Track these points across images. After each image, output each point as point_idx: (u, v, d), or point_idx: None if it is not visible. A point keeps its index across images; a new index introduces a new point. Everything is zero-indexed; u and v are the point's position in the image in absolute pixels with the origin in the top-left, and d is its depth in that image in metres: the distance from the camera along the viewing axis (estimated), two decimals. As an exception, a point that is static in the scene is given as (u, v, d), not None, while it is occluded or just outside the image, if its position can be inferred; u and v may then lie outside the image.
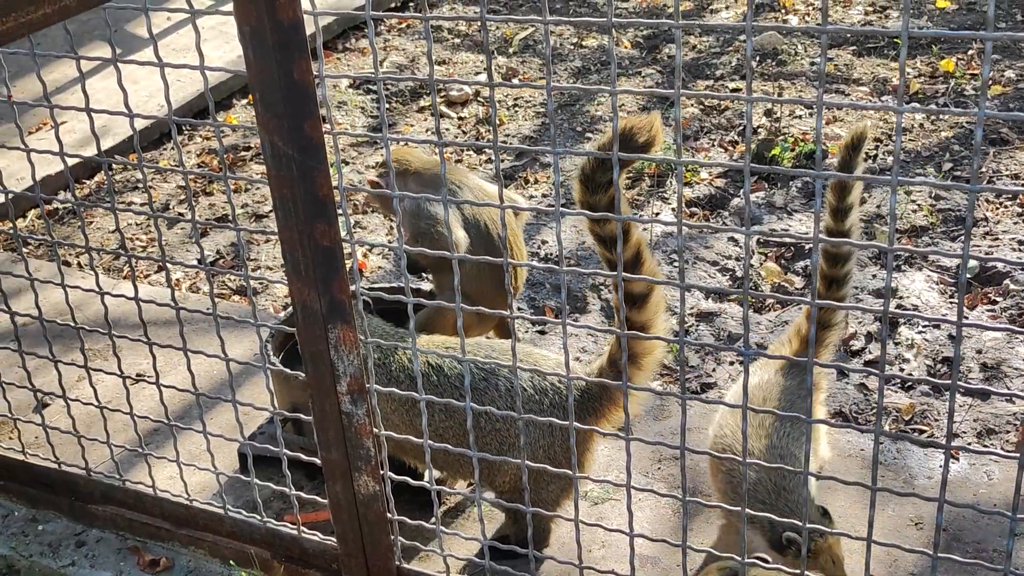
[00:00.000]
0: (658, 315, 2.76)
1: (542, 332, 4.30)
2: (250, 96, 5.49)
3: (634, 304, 2.71)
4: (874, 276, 4.43)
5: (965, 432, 3.58)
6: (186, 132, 6.20)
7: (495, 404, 2.92)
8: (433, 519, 2.62)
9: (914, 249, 1.76)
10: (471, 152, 5.81)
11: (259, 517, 2.96)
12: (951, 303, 4.20)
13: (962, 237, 4.09)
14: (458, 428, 2.97)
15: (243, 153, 5.93)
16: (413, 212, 3.54)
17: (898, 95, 1.67)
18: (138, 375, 3.94)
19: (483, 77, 6.57)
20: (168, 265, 2.77)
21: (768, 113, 5.76)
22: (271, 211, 4.94)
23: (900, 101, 1.68)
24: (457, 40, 7.23)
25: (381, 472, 2.56)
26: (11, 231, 3.51)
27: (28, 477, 3.33)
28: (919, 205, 4.85)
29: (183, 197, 5.57)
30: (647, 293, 2.71)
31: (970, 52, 6.18)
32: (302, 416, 2.71)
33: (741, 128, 5.68)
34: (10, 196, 3.22)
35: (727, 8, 7.29)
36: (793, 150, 5.28)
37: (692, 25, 1.80)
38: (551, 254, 4.77)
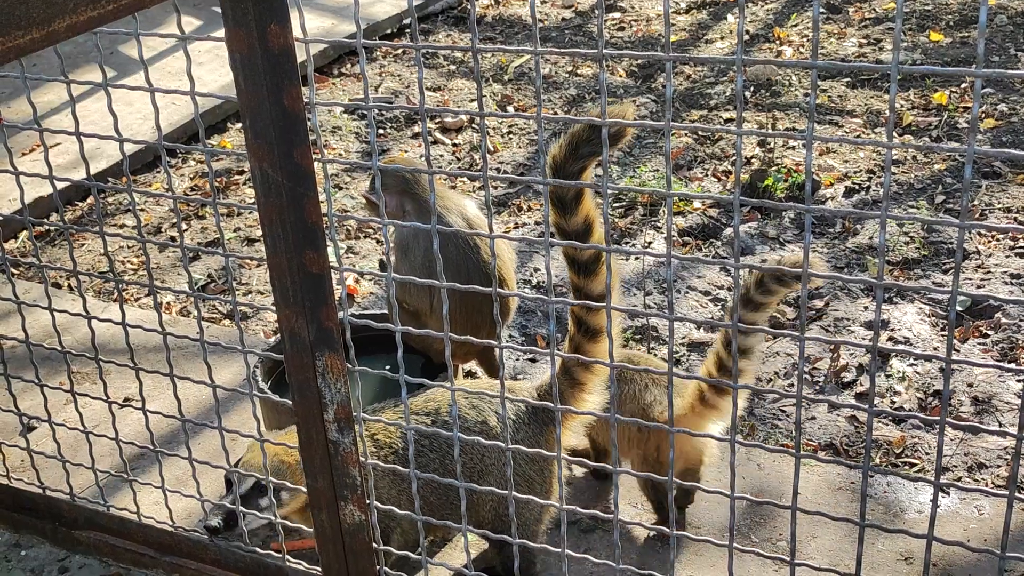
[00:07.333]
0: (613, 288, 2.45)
1: (533, 360, 4.29)
2: (244, 120, 5.51)
3: (584, 272, 2.66)
4: (865, 308, 4.42)
5: (956, 466, 3.56)
6: (180, 155, 6.20)
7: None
8: (419, 549, 2.60)
9: (903, 285, 1.75)
10: (464, 179, 5.81)
11: (244, 545, 2.93)
12: (943, 335, 4.20)
13: (954, 269, 4.11)
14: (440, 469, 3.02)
15: (236, 177, 5.92)
16: (401, 247, 3.61)
17: (888, 131, 1.67)
18: (125, 400, 3.92)
19: (476, 105, 6.59)
20: (156, 289, 2.75)
21: (762, 143, 5.77)
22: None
23: (890, 136, 1.68)
24: (452, 67, 7.25)
25: (367, 501, 2.54)
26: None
27: (11, 501, 3.30)
28: (911, 237, 4.85)
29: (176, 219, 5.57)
30: (597, 264, 2.64)
31: (963, 85, 6.21)
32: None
33: (735, 158, 5.69)
34: (-1, 218, 3.22)
35: (722, 39, 7.33)
36: (786, 180, 5.28)
37: (683, 59, 1.80)
38: (543, 282, 4.77)
